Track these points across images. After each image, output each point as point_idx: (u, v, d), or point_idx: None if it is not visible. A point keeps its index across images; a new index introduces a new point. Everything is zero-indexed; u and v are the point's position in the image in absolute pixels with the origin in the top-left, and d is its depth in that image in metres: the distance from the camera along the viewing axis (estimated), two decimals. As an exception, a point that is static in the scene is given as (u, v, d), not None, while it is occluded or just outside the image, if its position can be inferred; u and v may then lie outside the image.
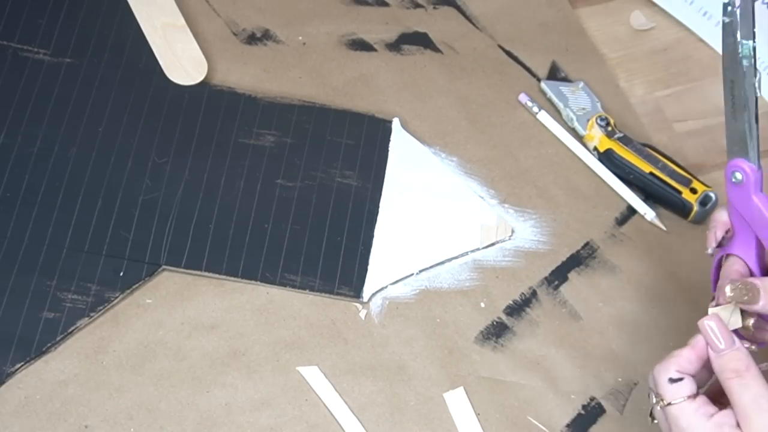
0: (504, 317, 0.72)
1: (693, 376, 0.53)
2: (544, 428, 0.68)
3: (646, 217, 0.77)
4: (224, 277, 0.71)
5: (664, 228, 0.76)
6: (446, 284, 0.73)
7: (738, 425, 0.50)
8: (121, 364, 0.67)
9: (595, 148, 0.79)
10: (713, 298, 0.56)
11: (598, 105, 0.81)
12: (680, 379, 0.52)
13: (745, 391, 0.50)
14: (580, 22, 0.87)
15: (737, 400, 0.51)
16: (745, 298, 0.53)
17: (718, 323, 0.53)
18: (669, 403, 0.52)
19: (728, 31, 0.55)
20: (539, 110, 0.80)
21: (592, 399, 0.69)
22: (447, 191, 0.76)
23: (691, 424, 0.51)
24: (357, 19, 0.84)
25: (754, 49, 0.55)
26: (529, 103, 0.81)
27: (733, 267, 0.57)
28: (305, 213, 0.74)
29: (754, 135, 0.55)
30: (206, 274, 0.71)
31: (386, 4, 0.86)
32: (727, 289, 0.53)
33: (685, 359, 0.53)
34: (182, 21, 0.81)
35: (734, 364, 0.52)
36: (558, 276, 0.74)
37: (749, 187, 0.55)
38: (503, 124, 0.80)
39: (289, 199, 0.74)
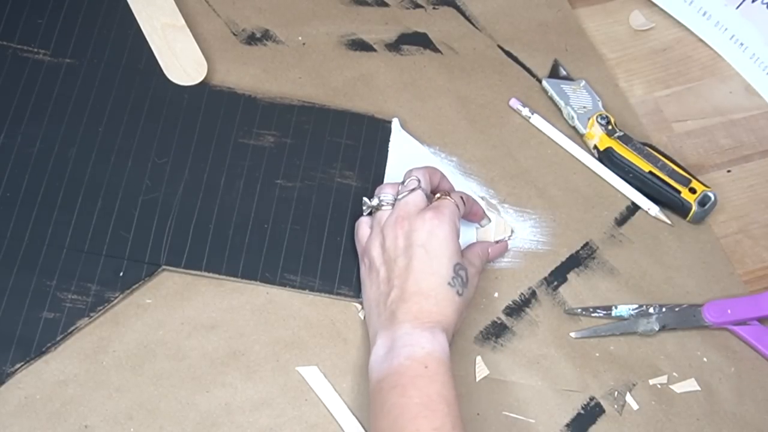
0: (504, 317, 0.72)
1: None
2: (544, 428, 0.68)
3: (650, 212, 0.76)
4: (224, 277, 0.71)
5: (669, 222, 0.76)
6: (446, 284, 0.73)
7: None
8: (121, 364, 0.67)
9: (595, 147, 0.79)
10: None
11: (599, 104, 0.81)
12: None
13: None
14: (579, 22, 0.87)
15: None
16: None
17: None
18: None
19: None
20: (532, 114, 0.80)
21: (591, 399, 0.69)
22: (446, 191, 0.76)
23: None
24: (357, 20, 0.84)
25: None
26: (521, 108, 0.80)
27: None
28: (305, 213, 0.74)
29: None
30: (206, 274, 0.71)
31: (386, 5, 0.86)
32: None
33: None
34: (182, 21, 0.81)
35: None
36: (557, 276, 0.74)
37: None
38: (503, 124, 0.80)
39: (288, 200, 0.74)
